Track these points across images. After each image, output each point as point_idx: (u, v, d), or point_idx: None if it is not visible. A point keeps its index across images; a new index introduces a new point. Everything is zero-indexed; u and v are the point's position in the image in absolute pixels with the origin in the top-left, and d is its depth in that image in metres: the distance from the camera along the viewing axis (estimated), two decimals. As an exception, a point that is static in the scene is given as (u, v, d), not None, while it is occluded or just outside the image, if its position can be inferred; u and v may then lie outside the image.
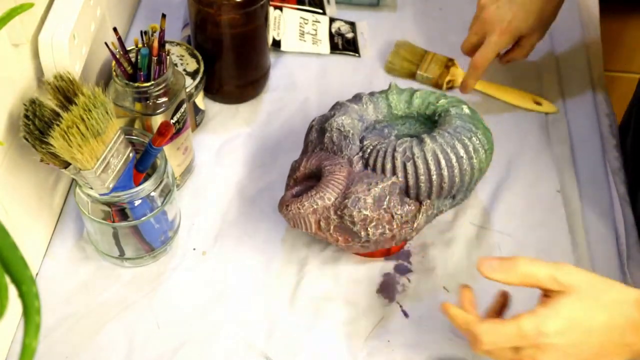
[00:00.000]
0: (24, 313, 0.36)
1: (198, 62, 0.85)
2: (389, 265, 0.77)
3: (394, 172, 0.69)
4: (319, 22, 1.00)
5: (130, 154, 0.68)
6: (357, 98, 0.77)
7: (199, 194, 0.83)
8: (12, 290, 0.37)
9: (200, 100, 0.86)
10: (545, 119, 0.90)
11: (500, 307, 0.62)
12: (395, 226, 0.69)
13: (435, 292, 0.75)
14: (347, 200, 0.68)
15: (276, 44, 0.97)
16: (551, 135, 0.88)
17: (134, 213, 0.70)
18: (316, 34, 0.99)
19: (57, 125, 0.61)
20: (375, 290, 0.75)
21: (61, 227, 0.79)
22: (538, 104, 0.90)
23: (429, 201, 0.70)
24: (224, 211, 0.81)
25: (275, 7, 0.99)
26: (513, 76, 0.94)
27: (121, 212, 0.70)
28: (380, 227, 0.69)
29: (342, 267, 0.76)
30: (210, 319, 0.73)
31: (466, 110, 0.74)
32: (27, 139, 0.63)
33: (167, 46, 0.75)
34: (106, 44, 0.71)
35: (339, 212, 0.69)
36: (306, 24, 0.99)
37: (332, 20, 1.01)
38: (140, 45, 0.72)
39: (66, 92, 0.64)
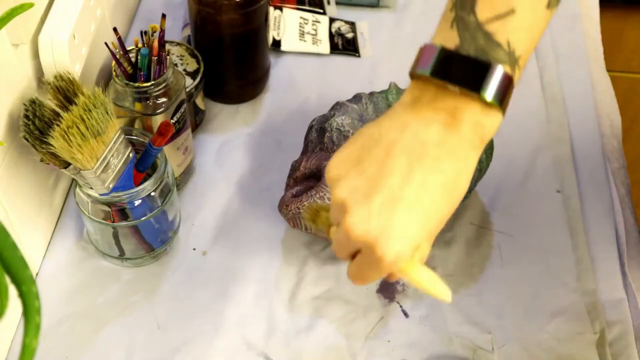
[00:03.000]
0: (24, 313, 0.36)
1: (198, 62, 0.84)
2: (389, 265, 0.77)
3: (394, 172, 0.69)
4: (319, 22, 1.00)
5: (130, 154, 0.68)
6: (357, 98, 0.77)
7: (199, 194, 0.83)
8: (12, 290, 0.37)
9: (200, 100, 0.86)
10: (546, 118, 0.90)
11: None
12: (395, 226, 0.69)
13: (435, 292, 0.75)
14: (347, 200, 0.68)
15: (276, 44, 0.97)
16: (551, 135, 0.89)
17: (134, 213, 0.70)
18: (316, 34, 0.99)
19: (57, 125, 0.61)
20: (375, 290, 0.75)
21: (61, 227, 0.79)
22: None
23: (429, 201, 0.70)
24: (224, 211, 0.81)
25: (275, 7, 0.99)
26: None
27: (121, 212, 0.70)
28: (380, 227, 0.69)
29: (342, 267, 0.76)
30: (210, 319, 0.73)
31: (466, 110, 0.74)
32: (27, 139, 0.64)
33: (167, 46, 0.75)
34: (106, 44, 0.71)
35: (339, 212, 0.69)
36: (306, 24, 0.99)
37: (332, 20, 1.01)
38: (140, 45, 0.72)
39: (66, 92, 0.64)
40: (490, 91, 0.46)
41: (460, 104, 0.47)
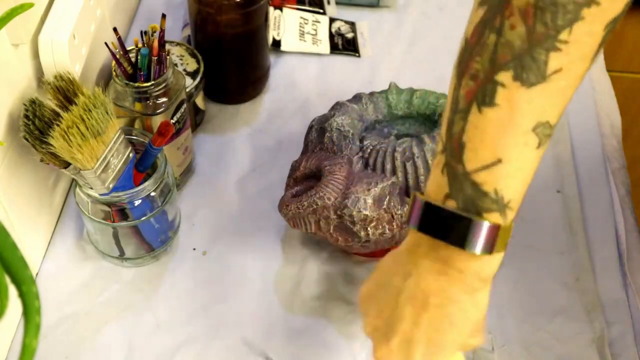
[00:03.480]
0: (24, 313, 0.36)
1: (198, 62, 0.84)
2: (389, 265, 0.77)
3: (394, 172, 0.69)
4: (319, 22, 1.00)
5: (130, 154, 0.68)
6: (357, 98, 0.77)
7: (199, 194, 0.83)
8: (12, 290, 0.37)
9: (200, 100, 0.86)
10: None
11: None
12: (395, 226, 0.69)
13: (435, 292, 0.75)
14: (347, 200, 0.68)
15: (276, 44, 0.97)
16: (551, 135, 0.88)
17: (134, 213, 0.70)
18: (316, 34, 0.99)
19: (57, 125, 0.61)
20: (375, 290, 0.75)
21: (61, 227, 0.79)
22: None
23: (429, 201, 0.70)
24: (224, 211, 0.81)
25: (275, 7, 0.99)
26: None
27: (121, 212, 0.70)
28: (380, 227, 0.69)
29: (342, 267, 0.76)
30: (210, 319, 0.73)
31: (466, 110, 0.74)
32: (27, 139, 0.64)
33: (167, 46, 0.75)
34: (106, 44, 0.71)
35: (338, 212, 0.69)
36: (306, 24, 0.99)
37: (332, 20, 1.01)
38: (140, 45, 0.72)
39: (66, 92, 0.64)
40: (476, 246, 0.47)
41: (453, 254, 0.48)
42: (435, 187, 0.49)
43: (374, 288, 0.55)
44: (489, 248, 0.47)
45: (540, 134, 0.46)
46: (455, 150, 0.47)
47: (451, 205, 0.48)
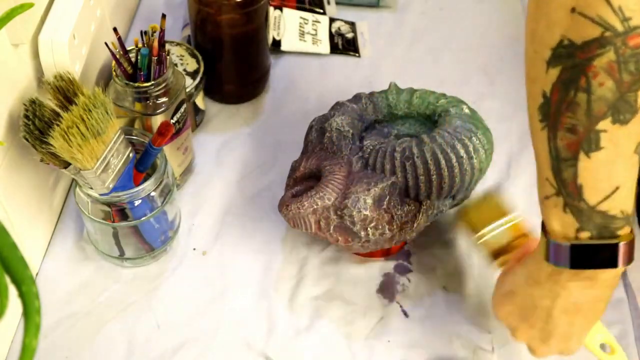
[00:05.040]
0: (24, 313, 0.37)
1: (198, 62, 0.85)
2: (389, 265, 0.77)
3: (393, 172, 0.69)
4: (319, 22, 1.00)
5: (130, 154, 0.68)
6: (357, 98, 0.77)
7: (199, 194, 0.83)
8: (12, 290, 0.37)
9: (200, 100, 0.86)
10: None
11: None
12: (395, 226, 0.69)
13: (435, 292, 0.75)
14: (347, 200, 0.68)
15: (276, 44, 0.97)
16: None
17: (134, 213, 0.70)
18: (316, 34, 0.99)
19: (57, 125, 0.61)
20: (375, 290, 0.75)
21: (61, 227, 0.79)
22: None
23: (429, 201, 0.70)
24: (224, 211, 0.81)
25: (275, 7, 0.99)
26: (518, 73, 0.94)
27: (121, 212, 0.70)
28: (380, 227, 0.69)
29: (342, 267, 0.77)
30: (210, 319, 0.73)
31: (466, 110, 0.74)
32: (27, 139, 0.64)
33: (167, 46, 0.75)
34: (106, 44, 0.71)
35: (339, 212, 0.69)
36: (306, 24, 1.00)
37: (332, 20, 1.01)
38: (140, 45, 0.72)
39: (66, 92, 0.64)
40: (624, 262, 0.54)
41: (599, 271, 0.56)
42: (563, 224, 0.54)
43: (516, 309, 0.63)
44: (632, 257, 0.54)
45: (638, 150, 0.52)
46: (573, 193, 0.53)
47: (585, 236, 0.54)
